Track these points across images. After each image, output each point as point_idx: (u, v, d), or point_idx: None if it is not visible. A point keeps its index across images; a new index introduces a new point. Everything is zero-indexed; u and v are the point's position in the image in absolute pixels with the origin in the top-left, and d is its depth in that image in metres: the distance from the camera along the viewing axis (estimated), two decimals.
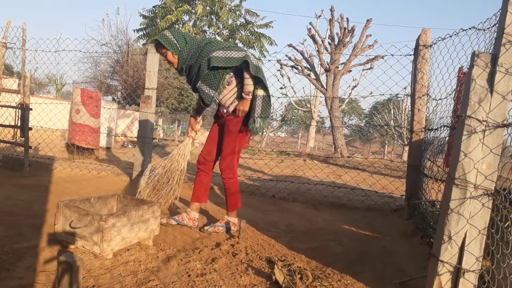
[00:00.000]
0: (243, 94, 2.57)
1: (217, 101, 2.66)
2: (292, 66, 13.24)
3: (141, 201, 2.41)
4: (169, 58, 2.60)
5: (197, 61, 2.56)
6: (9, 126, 4.55)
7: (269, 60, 5.11)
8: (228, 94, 2.63)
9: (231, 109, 2.64)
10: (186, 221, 2.74)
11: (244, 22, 17.00)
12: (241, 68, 2.52)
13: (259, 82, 2.54)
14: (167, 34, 2.58)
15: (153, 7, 17.25)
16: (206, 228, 2.69)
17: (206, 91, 2.63)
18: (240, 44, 17.31)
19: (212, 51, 2.51)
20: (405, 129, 17.99)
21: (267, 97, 2.57)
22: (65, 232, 2.06)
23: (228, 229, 2.73)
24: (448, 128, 2.88)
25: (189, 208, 2.82)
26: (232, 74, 2.59)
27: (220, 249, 2.30)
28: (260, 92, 2.55)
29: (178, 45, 2.56)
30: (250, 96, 2.55)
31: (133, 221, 2.11)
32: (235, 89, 2.62)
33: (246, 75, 2.52)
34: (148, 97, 4.22)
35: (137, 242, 2.21)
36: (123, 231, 2.04)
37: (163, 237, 2.47)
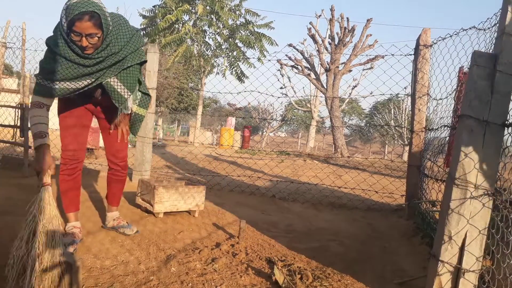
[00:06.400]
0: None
1: (129, 105, 2.19)
2: (292, 66, 13.24)
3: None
4: (95, 42, 1.85)
5: (121, 52, 1.99)
6: (9, 126, 4.55)
7: (269, 60, 5.12)
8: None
9: (133, 109, 2.26)
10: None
11: (244, 22, 16.99)
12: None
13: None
14: (107, 14, 1.88)
15: (153, 6, 17.24)
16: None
17: (119, 90, 2.09)
18: (240, 44, 17.32)
19: (141, 44, 2.08)
20: (405, 129, 17.99)
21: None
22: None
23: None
24: (448, 128, 2.88)
25: (116, 216, 2.49)
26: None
27: (220, 249, 2.30)
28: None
29: (109, 30, 1.91)
30: None
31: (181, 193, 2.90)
32: None
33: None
34: None
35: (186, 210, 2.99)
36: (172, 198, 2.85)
37: (163, 237, 2.47)
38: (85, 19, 1.76)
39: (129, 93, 2.12)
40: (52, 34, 1.94)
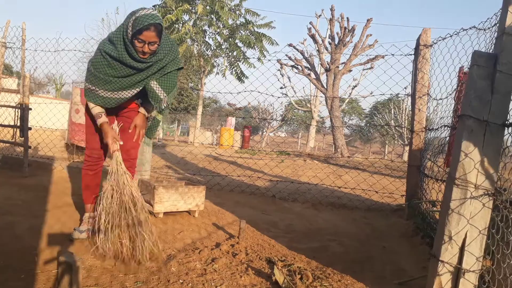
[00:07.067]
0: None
1: (163, 105, 2.38)
2: (292, 66, 13.24)
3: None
4: (154, 49, 2.13)
5: (164, 59, 2.25)
6: (9, 126, 4.54)
7: (269, 60, 5.12)
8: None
9: (152, 114, 2.49)
10: None
11: (244, 21, 16.99)
12: None
13: None
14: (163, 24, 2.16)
15: (152, 6, 17.25)
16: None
17: (157, 92, 2.31)
18: (240, 44, 17.31)
19: (178, 53, 2.34)
20: (405, 129, 17.99)
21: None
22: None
23: None
24: (448, 128, 2.88)
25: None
26: None
27: (220, 249, 2.30)
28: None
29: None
30: None
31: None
32: None
33: None
34: None
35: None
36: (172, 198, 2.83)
37: (163, 237, 2.47)
38: (152, 29, 2.05)
39: (165, 94, 2.33)
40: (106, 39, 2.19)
